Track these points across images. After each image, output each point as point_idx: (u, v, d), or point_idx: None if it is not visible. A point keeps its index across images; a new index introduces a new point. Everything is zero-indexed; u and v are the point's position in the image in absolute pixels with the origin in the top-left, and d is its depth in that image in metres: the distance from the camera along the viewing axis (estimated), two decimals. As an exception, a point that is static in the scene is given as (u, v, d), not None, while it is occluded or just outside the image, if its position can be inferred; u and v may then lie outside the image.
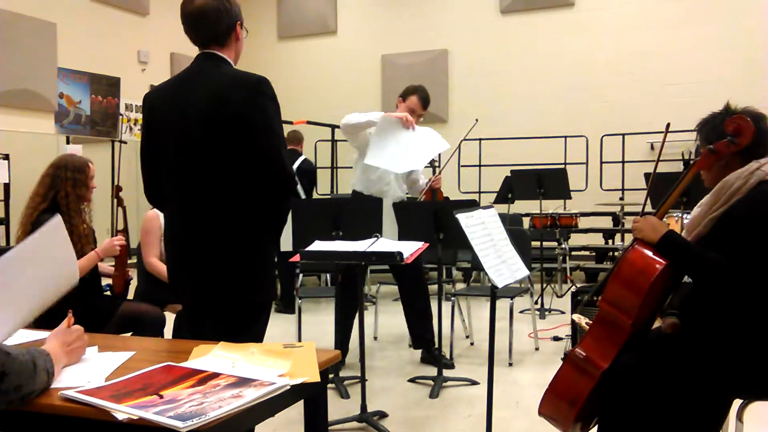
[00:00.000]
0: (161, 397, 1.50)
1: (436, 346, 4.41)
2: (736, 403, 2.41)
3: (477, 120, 5.52)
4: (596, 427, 2.47)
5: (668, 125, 2.75)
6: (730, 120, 2.32)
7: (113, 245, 3.60)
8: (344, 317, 4.40)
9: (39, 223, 3.33)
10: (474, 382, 4.16)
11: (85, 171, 3.48)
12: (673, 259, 2.31)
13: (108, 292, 3.68)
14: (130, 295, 3.90)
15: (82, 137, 8.58)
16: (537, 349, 4.99)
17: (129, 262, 3.76)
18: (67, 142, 8.18)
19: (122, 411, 1.42)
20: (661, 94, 8.70)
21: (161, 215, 3.99)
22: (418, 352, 4.84)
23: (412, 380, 4.27)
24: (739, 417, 2.36)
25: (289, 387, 1.60)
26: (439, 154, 5.19)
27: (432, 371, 4.31)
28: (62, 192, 3.40)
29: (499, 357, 4.62)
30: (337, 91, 10.30)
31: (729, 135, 2.32)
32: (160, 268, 4.01)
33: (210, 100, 2.36)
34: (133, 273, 3.90)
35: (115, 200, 3.94)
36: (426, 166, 4.88)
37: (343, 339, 4.44)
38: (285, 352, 1.82)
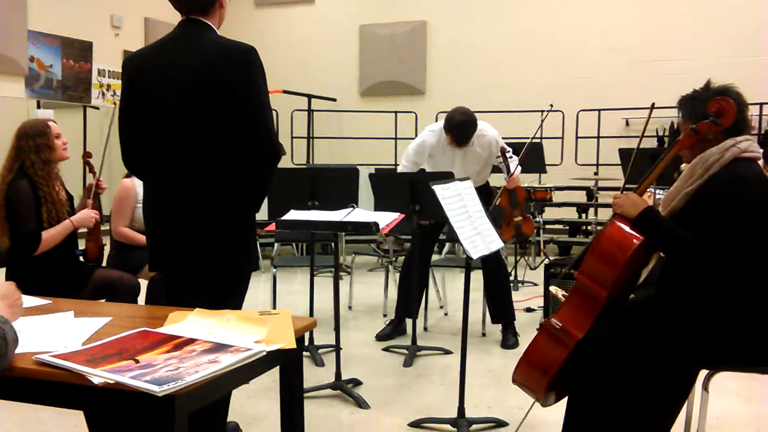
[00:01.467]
0: (137, 362, 1.50)
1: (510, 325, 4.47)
2: (702, 373, 2.47)
3: (551, 105, 5.40)
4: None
5: (653, 105, 2.78)
6: (714, 101, 2.35)
7: (89, 216, 3.57)
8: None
9: (10, 193, 3.30)
10: (447, 351, 4.21)
11: (46, 133, 3.43)
12: (648, 234, 2.36)
13: (81, 258, 3.65)
14: (104, 263, 3.87)
15: (53, 102, 8.41)
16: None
17: (102, 228, 3.73)
18: (38, 107, 8.01)
19: (98, 375, 1.42)
20: (638, 70, 8.74)
21: (137, 183, 3.95)
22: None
23: (386, 349, 4.31)
24: (705, 387, 2.42)
25: (265, 353, 1.61)
26: (511, 153, 5.09)
27: (405, 341, 4.36)
28: (28, 161, 3.37)
29: (472, 327, 4.67)
30: (314, 60, 10.19)
31: (711, 116, 2.34)
32: (131, 234, 3.99)
33: (198, 67, 2.33)
34: (106, 240, 3.86)
35: (86, 167, 3.90)
36: (497, 166, 4.74)
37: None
38: (261, 319, 1.83)
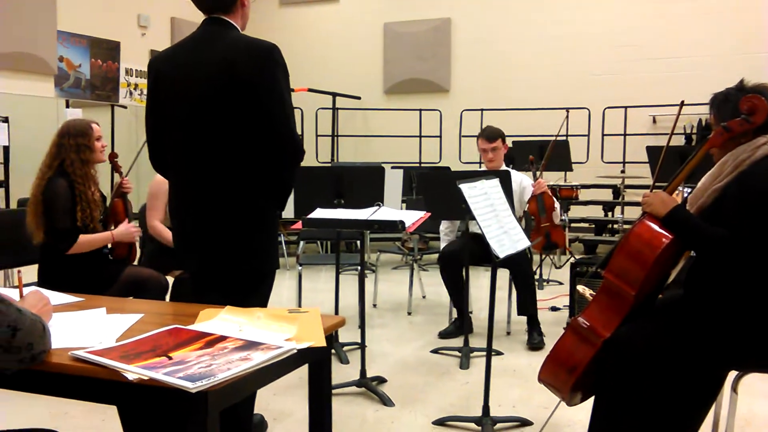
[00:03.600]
0: (170, 358, 1.52)
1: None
2: (731, 375, 2.45)
3: (567, 111, 5.37)
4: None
5: (682, 102, 2.75)
6: (746, 98, 2.33)
7: (130, 233, 3.65)
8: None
9: (48, 190, 3.35)
10: (499, 352, 4.19)
11: (88, 134, 3.48)
12: (679, 233, 2.34)
13: (109, 256, 3.70)
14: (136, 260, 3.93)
15: (82, 101, 8.53)
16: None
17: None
18: (67, 106, 8.13)
19: (133, 371, 1.44)
20: (665, 67, 8.65)
21: None
22: (416, 319, 4.98)
23: (435, 351, 4.24)
24: (734, 388, 2.40)
25: (295, 351, 1.63)
26: (532, 159, 5.08)
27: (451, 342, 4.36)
28: (68, 160, 3.42)
29: (497, 326, 4.67)
30: (338, 59, 10.22)
31: (743, 113, 2.32)
32: (164, 232, 4.03)
33: (220, 65, 2.35)
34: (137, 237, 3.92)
35: (113, 167, 3.95)
36: (524, 171, 4.75)
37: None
38: (290, 317, 1.85)
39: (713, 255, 2.30)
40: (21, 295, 1.87)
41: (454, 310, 4.69)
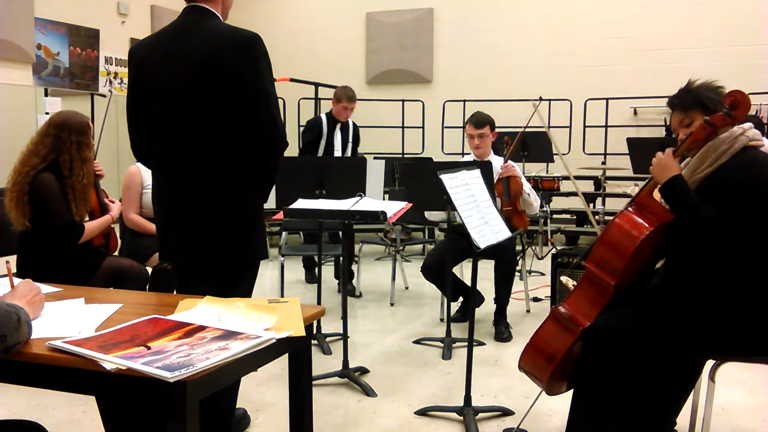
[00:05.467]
0: (149, 348, 1.52)
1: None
2: (709, 364, 2.48)
3: (541, 98, 5.32)
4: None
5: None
6: (729, 94, 2.36)
7: (120, 208, 3.73)
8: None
9: (41, 185, 3.29)
10: (480, 343, 4.19)
11: (87, 133, 3.43)
12: (671, 203, 2.37)
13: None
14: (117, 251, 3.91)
15: (61, 90, 8.42)
16: (528, 311, 5.05)
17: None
18: (46, 95, 8.02)
19: (110, 361, 1.43)
20: (646, 59, 8.70)
21: (142, 169, 3.98)
22: (399, 310, 4.98)
23: (417, 342, 4.23)
24: (712, 377, 2.43)
25: (274, 340, 1.62)
26: (507, 140, 5.03)
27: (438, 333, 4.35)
28: (65, 156, 3.34)
29: (486, 317, 4.68)
30: (320, 49, 10.17)
31: (726, 108, 2.35)
32: (141, 222, 4.02)
33: (203, 55, 2.33)
34: (114, 227, 3.89)
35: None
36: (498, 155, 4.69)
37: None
38: (270, 306, 1.84)
39: (699, 231, 2.32)
40: (12, 285, 1.86)
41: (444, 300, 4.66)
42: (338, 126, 5.81)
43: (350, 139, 5.91)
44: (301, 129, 9.39)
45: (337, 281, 5.77)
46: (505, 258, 4.33)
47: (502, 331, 4.34)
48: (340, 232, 5.24)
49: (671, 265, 2.54)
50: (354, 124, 5.99)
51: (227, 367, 1.49)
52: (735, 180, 2.31)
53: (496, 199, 4.45)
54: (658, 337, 2.35)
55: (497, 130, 4.75)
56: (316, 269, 5.68)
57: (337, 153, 5.79)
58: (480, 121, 4.52)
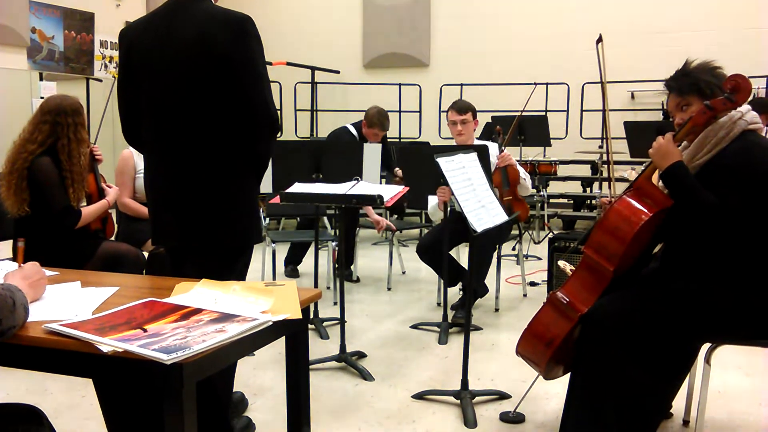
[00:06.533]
0: (145, 331, 1.51)
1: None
2: (704, 347, 2.49)
3: (535, 84, 5.27)
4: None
5: None
6: (730, 78, 2.34)
7: (117, 193, 3.75)
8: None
9: (39, 171, 3.29)
10: (477, 328, 4.19)
11: (82, 113, 3.43)
12: (672, 189, 2.36)
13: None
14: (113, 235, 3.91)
15: (56, 74, 8.37)
16: (525, 295, 5.05)
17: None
18: (41, 79, 7.98)
19: (107, 344, 1.43)
20: (644, 43, 8.66)
21: (135, 154, 3.97)
22: (396, 295, 5.00)
23: (414, 326, 4.23)
24: (707, 360, 2.44)
25: (271, 323, 1.62)
26: (499, 130, 4.99)
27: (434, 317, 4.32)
28: (64, 140, 3.34)
29: (486, 303, 4.69)
30: (317, 32, 10.11)
31: (726, 92, 2.33)
32: (135, 206, 4.02)
33: (194, 38, 2.31)
34: (111, 211, 3.88)
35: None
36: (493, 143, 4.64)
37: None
38: (267, 289, 1.84)
39: (700, 216, 2.32)
40: (20, 264, 1.86)
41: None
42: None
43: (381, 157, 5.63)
44: (298, 113, 9.40)
45: (335, 265, 5.77)
46: (479, 243, 4.28)
47: (459, 312, 4.25)
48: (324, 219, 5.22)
49: (670, 250, 2.54)
50: (384, 137, 5.64)
51: (224, 349, 1.49)
52: (735, 166, 2.31)
53: (495, 190, 4.44)
54: (656, 322, 2.35)
55: (496, 114, 4.73)
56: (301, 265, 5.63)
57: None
58: (463, 107, 4.47)
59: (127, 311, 1.64)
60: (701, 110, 2.36)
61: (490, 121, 7.06)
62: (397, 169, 5.29)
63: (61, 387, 3.18)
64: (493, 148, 4.54)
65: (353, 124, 5.65)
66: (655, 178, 2.50)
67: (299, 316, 1.71)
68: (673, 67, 2.57)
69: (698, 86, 2.40)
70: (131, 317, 1.60)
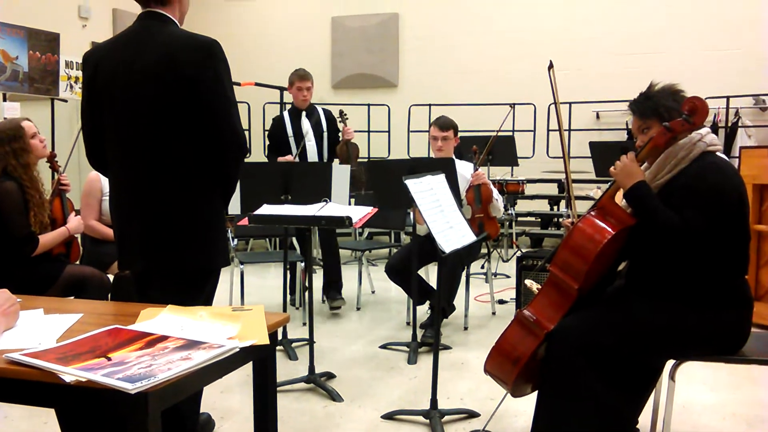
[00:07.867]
0: (109, 359, 1.49)
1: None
2: (669, 363, 2.53)
3: (513, 106, 5.31)
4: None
5: None
6: (688, 100, 2.42)
7: (81, 224, 3.68)
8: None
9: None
10: (447, 347, 4.20)
11: (20, 135, 3.39)
12: (636, 208, 2.41)
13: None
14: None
15: (20, 95, 8.25)
16: (494, 313, 5.07)
17: None
18: (4, 99, 7.85)
19: (70, 373, 1.41)
20: (609, 63, 8.83)
21: (102, 176, 3.94)
22: (365, 315, 5.01)
23: (383, 346, 4.23)
24: (672, 376, 2.48)
25: (238, 349, 1.61)
26: (475, 149, 5.07)
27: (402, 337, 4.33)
28: (9, 166, 3.35)
29: (455, 322, 4.70)
30: (286, 53, 10.11)
31: (685, 114, 2.40)
32: (101, 228, 3.98)
33: (160, 61, 2.30)
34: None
35: (51, 167, 3.87)
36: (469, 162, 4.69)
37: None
38: (234, 315, 1.83)
39: (664, 235, 2.37)
40: None
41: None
42: (303, 114, 5.41)
43: (324, 127, 5.47)
44: (267, 133, 9.37)
45: (305, 286, 5.74)
46: (448, 263, 4.28)
47: (428, 332, 4.26)
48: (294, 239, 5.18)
49: (634, 268, 2.58)
50: (325, 110, 5.65)
51: (190, 377, 1.48)
52: (695, 186, 2.37)
53: (467, 207, 4.48)
54: (620, 339, 2.39)
55: (464, 134, 4.77)
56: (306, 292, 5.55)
57: (311, 143, 5.33)
58: (445, 124, 4.55)
59: (91, 339, 1.62)
60: (662, 131, 2.42)
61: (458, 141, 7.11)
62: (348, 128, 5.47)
63: (23, 414, 3.11)
64: (468, 167, 4.59)
65: (288, 109, 5.66)
66: (618, 197, 2.55)
67: (266, 341, 1.71)
68: (637, 88, 2.63)
69: (658, 111, 2.47)
70: (95, 345, 1.58)
